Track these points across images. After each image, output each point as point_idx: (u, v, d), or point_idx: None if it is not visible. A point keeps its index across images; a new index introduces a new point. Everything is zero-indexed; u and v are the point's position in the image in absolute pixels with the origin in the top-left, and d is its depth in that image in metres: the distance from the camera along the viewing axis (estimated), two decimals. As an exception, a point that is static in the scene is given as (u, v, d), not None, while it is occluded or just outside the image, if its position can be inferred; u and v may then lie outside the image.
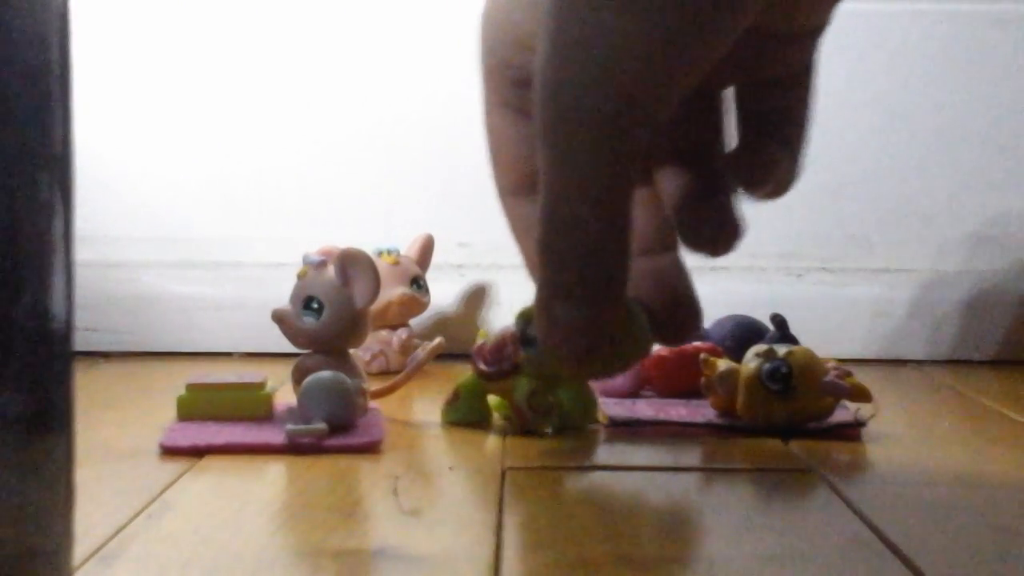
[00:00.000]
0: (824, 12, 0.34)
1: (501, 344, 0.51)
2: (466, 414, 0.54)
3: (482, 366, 0.52)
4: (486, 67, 0.38)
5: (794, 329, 0.64)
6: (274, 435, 0.50)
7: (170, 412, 0.54)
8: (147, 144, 0.81)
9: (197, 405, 0.53)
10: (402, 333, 0.72)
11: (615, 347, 0.37)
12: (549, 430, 0.52)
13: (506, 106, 0.38)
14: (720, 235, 0.36)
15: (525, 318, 0.44)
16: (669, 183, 0.37)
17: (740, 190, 0.36)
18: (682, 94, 0.31)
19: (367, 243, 0.62)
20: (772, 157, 0.36)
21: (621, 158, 0.30)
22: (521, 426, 0.52)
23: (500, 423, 0.55)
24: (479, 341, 0.53)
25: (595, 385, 0.62)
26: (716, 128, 0.37)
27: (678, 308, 0.38)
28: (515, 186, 0.40)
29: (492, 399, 0.54)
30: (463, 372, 0.55)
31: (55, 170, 0.22)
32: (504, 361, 0.51)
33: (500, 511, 0.41)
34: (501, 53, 0.37)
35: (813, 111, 0.36)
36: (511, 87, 0.37)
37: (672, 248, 0.38)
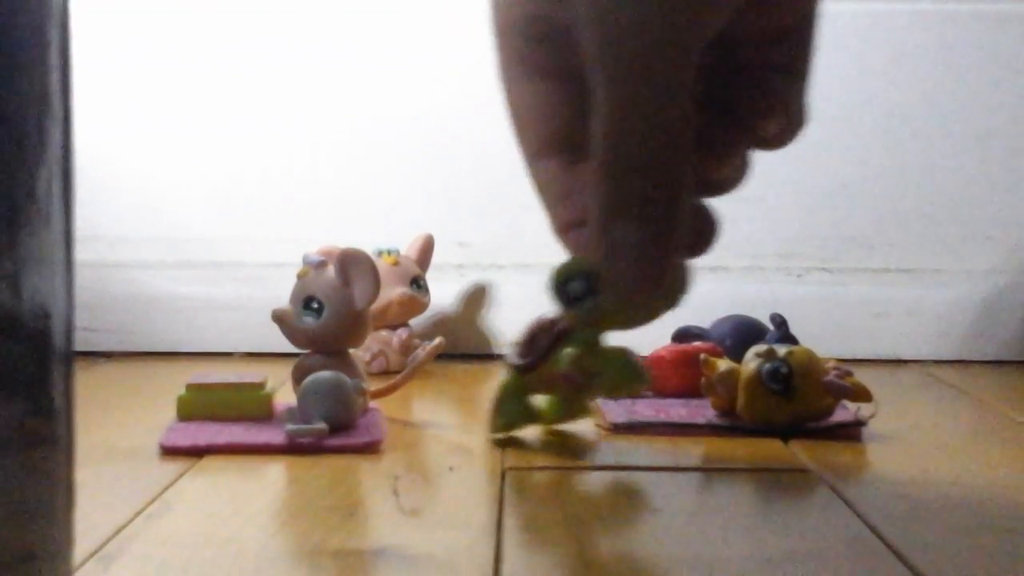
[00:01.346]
0: None
1: (532, 334, 0.50)
2: (514, 417, 0.51)
3: (516, 360, 0.50)
4: (501, 23, 0.38)
5: (794, 329, 0.64)
6: (274, 435, 0.50)
7: (170, 412, 0.54)
8: (147, 144, 0.81)
9: (197, 405, 0.53)
10: (402, 333, 0.72)
11: (674, 279, 0.36)
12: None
13: (524, 63, 0.38)
14: (730, 174, 0.37)
15: (562, 275, 0.42)
16: None
17: (750, 137, 0.37)
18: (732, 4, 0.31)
19: (367, 243, 0.62)
20: (785, 116, 0.36)
21: (683, 64, 0.31)
22: (575, 392, 0.50)
23: (546, 434, 0.52)
24: (513, 348, 0.51)
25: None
26: (722, 80, 0.37)
27: (704, 219, 0.38)
28: (541, 147, 0.39)
29: (541, 402, 0.52)
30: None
31: (55, 170, 0.22)
32: (540, 346, 0.49)
33: (500, 511, 0.41)
34: (522, 5, 0.36)
35: (813, 66, 0.36)
36: (531, 42, 0.37)
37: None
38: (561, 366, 0.49)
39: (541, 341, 0.49)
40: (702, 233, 0.38)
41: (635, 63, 0.31)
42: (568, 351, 0.49)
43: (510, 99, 0.39)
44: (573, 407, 0.52)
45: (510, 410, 0.51)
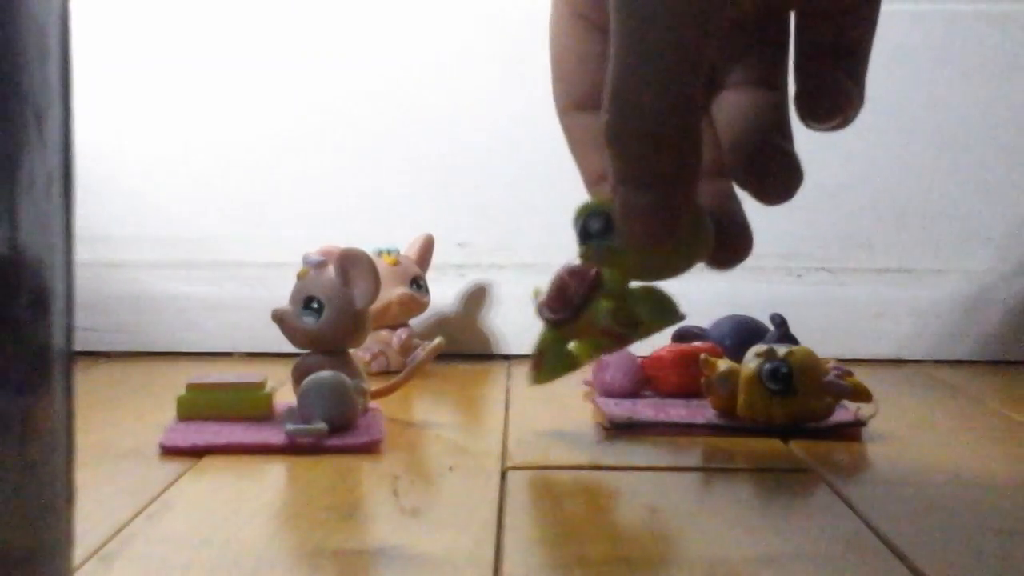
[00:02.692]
0: None
1: (561, 286, 0.49)
2: (557, 368, 0.50)
3: (551, 315, 0.49)
4: None
5: (794, 329, 0.64)
6: (274, 435, 0.50)
7: (170, 412, 0.54)
8: (148, 144, 0.81)
9: (197, 405, 0.53)
10: (402, 333, 0.72)
11: (686, 239, 0.37)
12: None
13: (577, 17, 0.38)
14: (783, 182, 0.36)
15: (583, 211, 0.41)
16: (727, 115, 0.37)
17: (808, 122, 0.37)
18: None
19: (367, 243, 0.62)
20: (843, 88, 0.36)
21: (699, 28, 0.31)
22: (616, 345, 0.49)
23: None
24: (537, 298, 0.50)
25: (596, 385, 0.62)
26: (779, 59, 0.37)
27: (734, 230, 0.38)
28: (578, 100, 0.39)
29: (575, 345, 0.51)
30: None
31: (55, 170, 0.22)
32: (573, 299, 0.48)
33: (500, 511, 0.41)
34: None
35: (873, 43, 0.36)
36: None
37: (725, 175, 0.38)
38: (599, 322, 0.48)
39: (571, 292, 0.48)
40: (730, 243, 0.38)
41: (648, 18, 0.31)
42: (604, 304, 0.48)
43: (556, 49, 0.39)
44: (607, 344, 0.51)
45: (552, 361, 0.50)
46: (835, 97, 0.36)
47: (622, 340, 0.49)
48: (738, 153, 0.37)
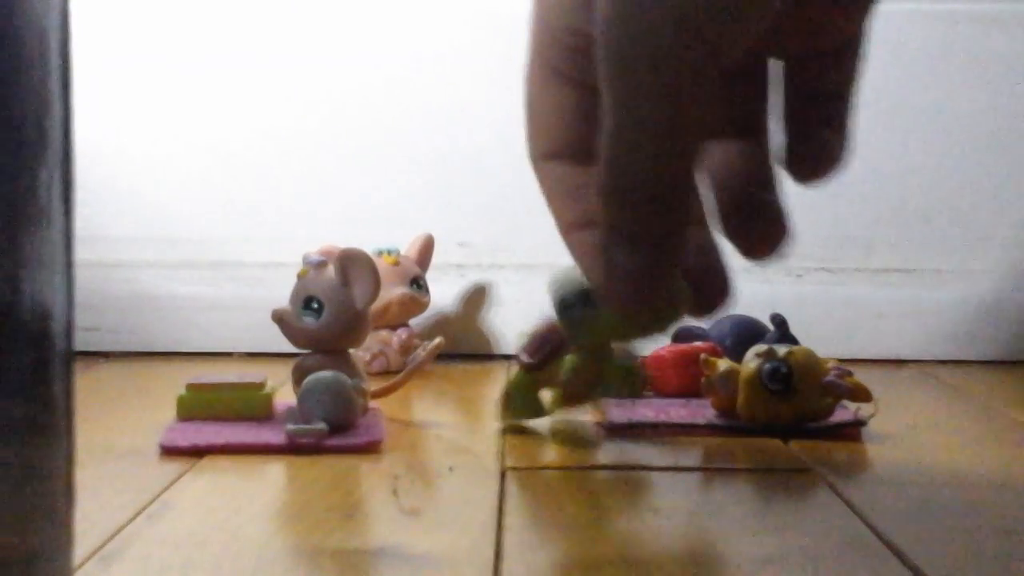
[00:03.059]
0: None
1: (543, 333, 0.50)
2: (521, 411, 0.53)
3: (525, 358, 0.51)
4: (537, 29, 0.38)
5: (794, 329, 0.64)
6: (274, 435, 0.50)
7: (170, 412, 0.54)
8: (147, 144, 0.81)
9: (197, 405, 0.53)
10: (402, 333, 0.72)
11: (664, 303, 0.37)
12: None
13: (551, 71, 0.38)
14: (767, 236, 0.37)
15: (560, 284, 0.43)
16: (709, 166, 0.37)
17: (792, 177, 0.37)
18: (748, 36, 0.31)
19: (367, 243, 0.62)
20: (826, 146, 0.36)
21: (691, 93, 0.31)
22: (571, 401, 0.51)
23: (559, 426, 0.54)
24: (522, 342, 0.52)
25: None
26: (761, 107, 0.37)
27: (712, 280, 0.39)
28: (553, 151, 0.39)
29: (546, 396, 0.53)
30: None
31: (55, 170, 0.22)
32: (545, 346, 0.50)
33: (500, 511, 0.41)
34: (559, 16, 0.37)
35: (860, 87, 0.36)
36: (562, 52, 0.37)
37: (705, 224, 0.38)
38: (562, 373, 0.50)
39: (549, 341, 0.50)
40: (708, 293, 0.38)
41: (644, 87, 0.30)
42: (571, 358, 0.50)
43: (531, 99, 0.39)
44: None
45: (518, 404, 0.53)
46: (819, 157, 0.36)
47: (579, 399, 0.51)
48: (721, 206, 0.37)
